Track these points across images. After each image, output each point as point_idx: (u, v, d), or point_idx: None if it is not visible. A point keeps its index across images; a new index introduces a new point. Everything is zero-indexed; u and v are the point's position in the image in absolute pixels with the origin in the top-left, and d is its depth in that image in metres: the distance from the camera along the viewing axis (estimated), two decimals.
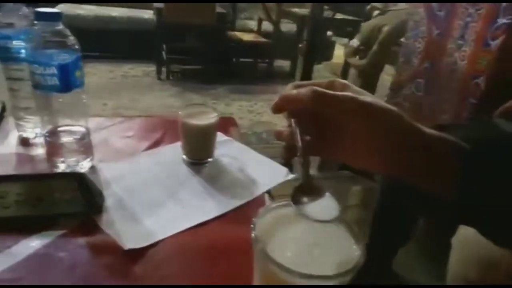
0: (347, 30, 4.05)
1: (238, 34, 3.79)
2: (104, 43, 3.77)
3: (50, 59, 0.53)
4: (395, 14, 1.82)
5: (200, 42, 3.62)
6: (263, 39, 3.78)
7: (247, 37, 3.75)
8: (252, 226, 0.33)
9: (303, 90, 0.33)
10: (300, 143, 0.34)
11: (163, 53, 3.46)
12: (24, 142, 0.71)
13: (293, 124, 0.36)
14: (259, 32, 4.10)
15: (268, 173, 0.68)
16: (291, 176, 0.68)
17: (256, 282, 0.35)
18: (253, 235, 0.32)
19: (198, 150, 0.67)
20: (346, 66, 4.05)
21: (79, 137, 0.61)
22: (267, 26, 4.13)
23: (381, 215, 1.24)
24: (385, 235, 1.25)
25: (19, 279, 0.42)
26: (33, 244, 0.47)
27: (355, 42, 1.96)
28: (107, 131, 0.78)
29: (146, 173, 0.65)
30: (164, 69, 3.53)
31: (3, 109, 0.80)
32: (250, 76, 3.84)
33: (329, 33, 4.13)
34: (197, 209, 0.57)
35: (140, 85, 3.32)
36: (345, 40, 4.88)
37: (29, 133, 0.71)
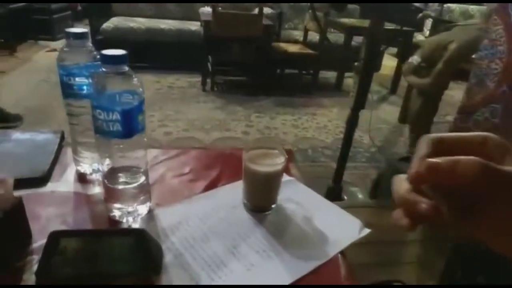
0: (395, 40, 3.86)
1: (283, 45, 3.74)
2: (152, 54, 3.87)
3: (113, 104, 0.49)
4: (463, 29, 1.66)
5: (245, 54, 3.61)
6: (308, 50, 3.70)
7: (292, 48, 3.69)
8: None
9: (463, 162, 0.24)
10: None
11: (209, 64, 3.49)
12: (81, 178, 0.69)
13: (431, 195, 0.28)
14: (304, 42, 4.02)
15: (340, 227, 0.60)
16: (366, 231, 0.60)
17: None
18: None
19: (263, 198, 0.61)
20: (396, 79, 3.86)
21: (138, 182, 0.57)
22: (313, 36, 4.04)
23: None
24: None
25: None
26: None
27: (415, 59, 1.82)
28: (163, 166, 0.74)
29: (205, 220, 0.60)
30: (209, 80, 3.55)
31: (62, 138, 0.79)
32: (295, 88, 3.77)
33: None
34: (265, 272, 0.51)
35: (186, 96, 3.36)
36: (393, 49, 4.68)
37: (86, 169, 0.69)
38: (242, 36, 3.32)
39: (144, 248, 0.48)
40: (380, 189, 1.76)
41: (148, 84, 3.46)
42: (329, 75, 4.18)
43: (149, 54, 3.84)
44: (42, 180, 0.66)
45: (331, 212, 0.64)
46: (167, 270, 0.50)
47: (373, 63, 1.41)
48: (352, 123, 1.60)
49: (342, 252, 0.55)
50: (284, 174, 0.71)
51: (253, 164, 0.58)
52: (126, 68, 0.50)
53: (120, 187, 0.56)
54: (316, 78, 3.89)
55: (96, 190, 0.65)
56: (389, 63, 4.09)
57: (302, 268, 0.51)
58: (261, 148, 0.63)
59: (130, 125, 0.51)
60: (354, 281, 0.51)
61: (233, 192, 0.66)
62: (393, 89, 3.88)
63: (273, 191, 0.61)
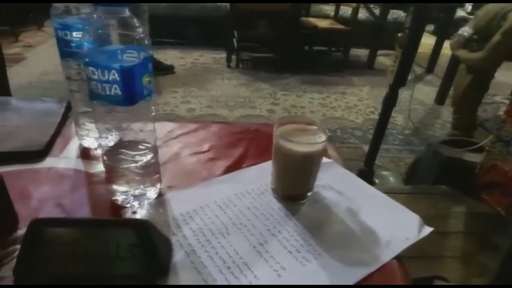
0: (435, 16, 3.56)
1: (313, 21, 3.52)
2: (176, 29, 3.76)
3: (110, 60, 0.37)
4: None
5: (272, 30, 3.43)
6: (339, 26, 3.46)
7: (322, 23, 3.47)
8: None
9: None
10: None
11: (234, 40, 3.33)
12: (85, 153, 0.59)
13: None
14: (335, 18, 3.78)
15: (394, 224, 0.47)
16: (428, 230, 0.47)
17: None
18: None
19: (297, 184, 0.49)
20: (433, 57, 3.57)
21: (144, 160, 0.46)
22: (344, 11, 3.79)
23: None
24: None
25: None
26: None
27: (466, 30, 1.60)
28: (178, 142, 0.63)
29: (225, 209, 0.49)
30: (234, 57, 3.41)
31: (68, 108, 0.69)
32: (324, 66, 3.57)
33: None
34: (299, 278, 0.39)
35: (210, 73, 3.24)
36: (431, 26, 4.34)
37: (90, 143, 0.59)
38: (269, 11, 3.13)
39: (148, 245, 0.37)
40: (417, 174, 1.60)
41: (172, 60, 3.36)
42: (361, 53, 3.93)
43: (173, 29, 3.73)
44: (39, 154, 0.56)
45: (383, 205, 0.51)
46: (176, 272, 0.39)
47: (420, 32, 1.23)
48: (389, 102, 1.44)
49: (398, 257, 0.43)
50: None
51: (286, 142, 0.46)
52: (127, 13, 0.38)
53: (123, 166, 0.45)
54: (347, 55, 3.66)
55: (100, 168, 0.55)
56: (426, 40, 3.79)
57: (347, 276, 0.40)
58: (296, 122, 0.50)
59: (133, 89, 0.39)
60: None
61: (261, 176, 0.54)
62: (430, 68, 3.61)
63: (310, 176, 0.49)
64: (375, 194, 0.53)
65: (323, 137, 0.47)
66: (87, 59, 0.38)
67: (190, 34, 3.82)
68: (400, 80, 1.33)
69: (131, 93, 0.39)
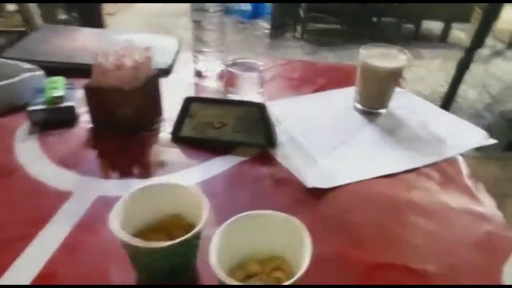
0: None
1: None
2: None
3: None
4: None
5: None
6: None
7: None
8: None
9: None
10: None
11: (300, 10, 3.38)
12: (198, 74, 0.74)
13: None
14: None
15: (460, 134, 0.57)
16: (491, 141, 0.55)
17: None
18: None
19: (377, 96, 0.60)
20: None
21: (256, 71, 0.60)
22: None
23: None
24: None
25: (213, 192, 0.44)
26: (219, 164, 0.48)
27: None
28: (273, 70, 0.76)
29: (315, 115, 0.61)
30: (299, 27, 3.46)
31: (179, 44, 0.85)
32: (392, 38, 3.48)
33: None
34: (379, 160, 0.51)
35: (274, 42, 3.34)
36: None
37: (202, 66, 0.75)
38: None
39: (264, 121, 0.51)
40: None
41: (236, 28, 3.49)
42: (434, 26, 3.76)
43: None
44: (166, 71, 0.73)
45: (451, 120, 0.61)
46: (282, 146, 0.53)
47: (497, 5, 1.22)
48: (464, 66, 1.45)
49: (462, 155, 0.53)
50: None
51: (373, 60, 0.57)
52: None
53: (240, 72, 0.59)
54: (418, 28, 3.53)
55: (211, 83, 0.70)
56: (508, 16, 3.52)
57: (419, 160, 0.50)
58: (379, 46, 0.61)
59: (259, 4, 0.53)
60: (477, 180, 0.48)
61: (343, 96, 0.66)
62: None
63: (389, 90, 0.59)
64: (444, 113, 0.63)
65: (404, 57, 0.57)
66: None
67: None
68: (479, 39, 1.33)
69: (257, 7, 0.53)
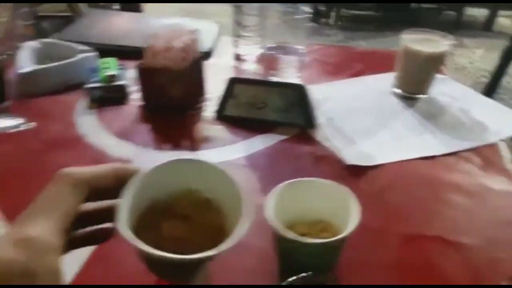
0: None
1: None
2: None
3: None
4: None
5: None
6: None
7: None
8: None
9: None
10: None
11: None
12: (237, 57, 0.78)
13: None
14: None
15: (502, 120, 0.57)
16: None
17: None
18: None
19: (417, 82, 0.61)
20: None
21: (296, 55, 0.62)
22: None
23: None
24: None
25: (256, 166, 0.47)
26: (261, 142, 0.52)
27: None
28: (312, 55, 0.78)
29: (353, 99, 0.63)
30: (333, 13, 3.41)
31: (218, 29, 0.88)
32: (431, 25, 3.36)
33: None
34: (418, 142, 0.53)
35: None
36: None
37: (242, 50, 0.78)
38: None
39: (304, 103, 0.54)
40: None
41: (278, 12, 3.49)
42: (478, 13, 3.60)
43: None
44: (207, 55, 0.76)
45: (493, 107, 0.61)
46: (321, 127, 0.55)
47: None
48: (509, 56, 1.40)
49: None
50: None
51: (415, 44, 0.58)
52: None
53: (281, 56, 0.62)
54: (460, 15, 3.40)
55: (251, 67, 0.73)
56: None
57: (459, 144, 0.52)
58: (421, 32, 0.61)
59: None
60: None
61: (381, 81, 0.67)
62: None
63: (430, 75, 0.60)
64: (486, 100, 0.63)
65: (446, 43, 0.58)
66: None
67: None
68: None
69: None
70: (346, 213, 0.30)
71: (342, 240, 0.29)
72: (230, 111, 0.56)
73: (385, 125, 0.57)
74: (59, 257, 0.16)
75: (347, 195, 0.31)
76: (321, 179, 0.33)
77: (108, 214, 0.21)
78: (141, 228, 0.22)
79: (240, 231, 0.20)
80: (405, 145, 0.52)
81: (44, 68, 0.60)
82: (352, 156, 0.48)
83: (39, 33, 1.19)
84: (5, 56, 0.53)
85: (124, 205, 0.21)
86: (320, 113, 0.58)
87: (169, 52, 0.55)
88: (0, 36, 0.53)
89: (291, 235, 0.29)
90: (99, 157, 0.47)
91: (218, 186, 0.24)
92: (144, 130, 0.54)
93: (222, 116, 0.56)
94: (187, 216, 0.24)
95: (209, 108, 0.59)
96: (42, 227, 0.16)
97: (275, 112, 0.55)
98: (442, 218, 0.40)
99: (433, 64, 0.59)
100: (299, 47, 0.63)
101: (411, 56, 0.59)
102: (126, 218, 0.21)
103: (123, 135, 0.51)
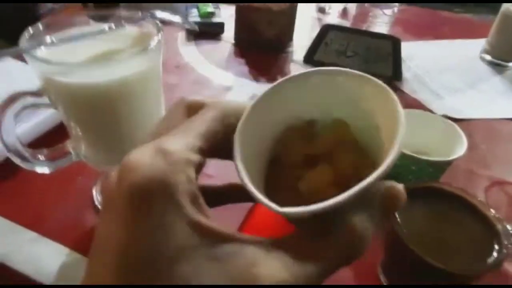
0: None
1: None
2: None
3: None
4: None
5: None
6: None
7: None
8: None
9: None
10: None
11: None
12: (321, 10, 0.80)
13: None
14: None
15: None
16: None
17: None
18: None
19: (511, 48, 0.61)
20: None
21: (391, 8, 0.64)
22: None
23: None
24: None
25: None
26: None
27: None
28: (402, 13, 0.79)
29: (441, 59, 0.64)
30: None
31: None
32: None
33: None
34: (507, 105, 0.54)
35: None
36: None
37: (325, 3, 0.80)
38: None
39: (395, 55, 0.56)
40: None
41: None
42: None
43: None
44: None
45: None
46: (407, 81, 0.58)
47: None
48: None
49: None
50: None
51: None
52: None
53: (375, 9, 0.64)
54: None
55: (334, 20, 0.76)
56: None
57: None
58: None
59: None
60: None
61: (470, 46, 0.68)
62: None
63: None
64: None
65: None
66: None
67: None
68: None
69: None
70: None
71: (450, 162, 0.34)
72: (319, 57, 0.60)
73: (473, 86, 0.58)
74: (197, 174, 0.15)
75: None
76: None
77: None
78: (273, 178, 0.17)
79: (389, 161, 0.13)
80: (494, 106, 0.54)
81: None
82: (441, 108, 0.51)
83: None
84: None
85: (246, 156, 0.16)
86: (406, 69, 0.61)
87: None
88: None
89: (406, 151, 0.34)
90: (204, 81, 0.53)
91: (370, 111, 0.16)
92: (240, 64, 0.59)
93: (311, 61, 0.60)
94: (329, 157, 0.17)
95: (297, 52, 0.63)
96: (180, 143, 0.15)
97: (364, 62, 0.58)
98: None
99: None
100: (389, 4, 0.65)
101: (510, 21, 0.59)
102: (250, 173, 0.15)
103: (222, 65, 0.57)
